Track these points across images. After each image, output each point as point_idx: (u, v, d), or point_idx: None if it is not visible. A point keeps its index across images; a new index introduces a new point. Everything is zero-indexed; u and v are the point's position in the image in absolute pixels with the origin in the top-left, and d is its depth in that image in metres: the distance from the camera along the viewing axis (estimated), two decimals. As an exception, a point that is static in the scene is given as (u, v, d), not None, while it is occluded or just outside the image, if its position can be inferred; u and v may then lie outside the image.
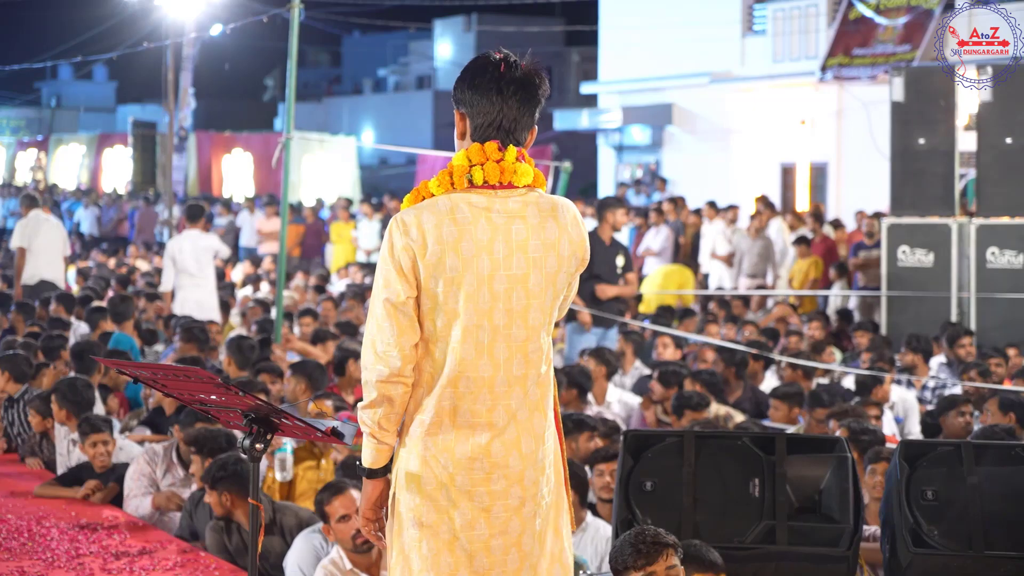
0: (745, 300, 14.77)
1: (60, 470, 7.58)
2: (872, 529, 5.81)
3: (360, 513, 3.62)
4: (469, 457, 3.45)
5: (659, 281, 15.55)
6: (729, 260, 16.53)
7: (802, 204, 22.51)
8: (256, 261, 19.82)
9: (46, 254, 13.41)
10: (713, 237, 17.21)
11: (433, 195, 3.50)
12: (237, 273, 18.91)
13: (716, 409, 8.24)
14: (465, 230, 3.43)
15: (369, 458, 3.53)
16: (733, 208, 17.80)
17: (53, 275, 13.53)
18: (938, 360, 10.65)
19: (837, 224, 17.56)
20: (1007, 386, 8.75)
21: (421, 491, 3.46)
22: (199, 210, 13.06)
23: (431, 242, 3.41)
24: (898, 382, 9.49)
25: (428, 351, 3.48)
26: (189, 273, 12.35)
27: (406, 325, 3.44)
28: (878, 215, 14.53)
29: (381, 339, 3.44)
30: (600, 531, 6.01)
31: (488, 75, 3.48)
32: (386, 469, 3.54)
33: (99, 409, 7.97)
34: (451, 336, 3.44)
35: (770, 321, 13.01)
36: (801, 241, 15.60)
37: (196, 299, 12.28)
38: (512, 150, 3.50)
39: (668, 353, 10.54)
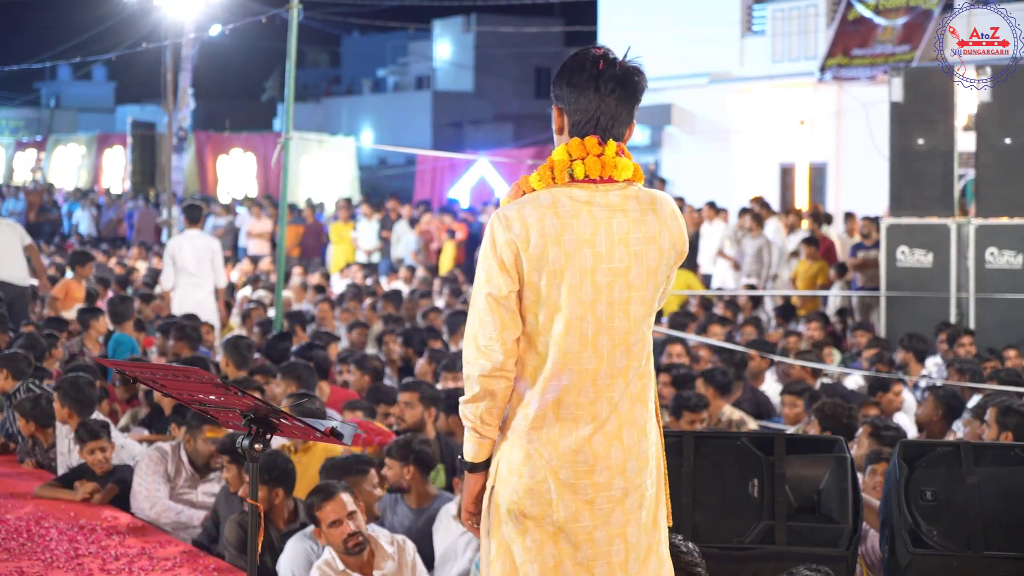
0: (755, 301, 14.71)
1: (61, 469, 7.55)
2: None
3: (462, 506, 3.66)
4: (573, 450, 3.46)
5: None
6: (736, 261, 16.46)
7: (801, 205, 22.47)
8: (255, 261, 19.81)
9: (8, 255, 12.76)
10: (720, 238, 17.16)
11: (534, 190, 3.52)
12: (236, 273, 18.90)
13: (730, 413, 8.23)
14: (567, 223, 3.44)
15: (471, 452, 3.56)
16: (746, 212, 17.71)
17: (14, 275, 12.85)
18: (934, 360, 10.64)
19: (844, 217, 17.41)
20: (992, 386, 8.71)
21: (524, 484, 3.48)
22: (199, 210, 13.06)
23: (534, 235, 3.43)
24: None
25: (531, 344, 3.49)
26: (188, 272, 12.38)
27: (508, 319, 3.45)
28: (872, 218, 14.51)
29: (483, 333, 3.46)
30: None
31: (586, 72, 3.49)
32: (487, 463, 3.57)
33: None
34: (553, 329, 3.46)
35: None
36: (811, 242, 15.40)
37: (195, 299, 12.31)
38: (612, 144, 3.51)
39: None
